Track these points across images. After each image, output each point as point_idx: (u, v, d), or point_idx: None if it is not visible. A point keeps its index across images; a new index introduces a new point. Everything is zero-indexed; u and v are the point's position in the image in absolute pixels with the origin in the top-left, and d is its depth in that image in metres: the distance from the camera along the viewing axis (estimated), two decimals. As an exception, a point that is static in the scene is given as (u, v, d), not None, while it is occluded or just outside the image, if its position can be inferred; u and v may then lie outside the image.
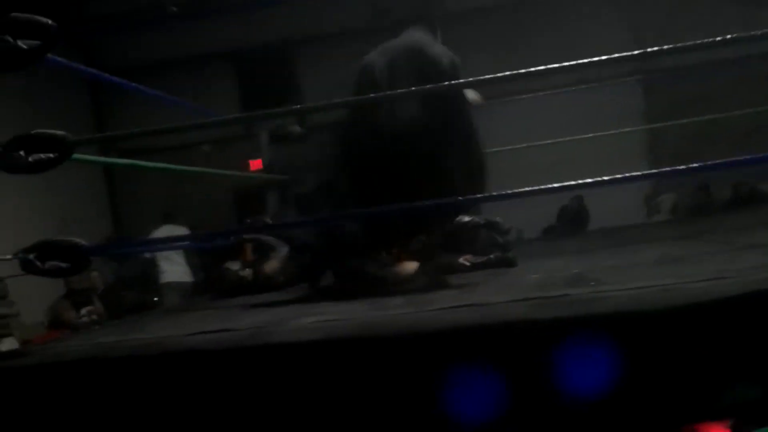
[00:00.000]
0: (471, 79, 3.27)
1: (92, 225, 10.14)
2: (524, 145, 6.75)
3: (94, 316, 6.60)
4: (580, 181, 3.36)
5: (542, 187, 3.22)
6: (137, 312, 6.57)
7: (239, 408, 2.19)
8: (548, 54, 9.29)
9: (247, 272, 4.23)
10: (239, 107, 10.60)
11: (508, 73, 3.32)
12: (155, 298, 8.27)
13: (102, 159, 3.61)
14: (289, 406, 2.19)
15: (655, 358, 1.94)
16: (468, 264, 4.07)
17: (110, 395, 2.21)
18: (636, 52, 3.33)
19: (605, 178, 3.31)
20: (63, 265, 2.41)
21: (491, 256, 4.09)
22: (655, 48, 3.91)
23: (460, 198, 3.30)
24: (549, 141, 6.97)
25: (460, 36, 9.70)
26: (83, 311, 6.61)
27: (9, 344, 5.66)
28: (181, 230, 8.25)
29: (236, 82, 10.78)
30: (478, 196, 3.91)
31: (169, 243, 6.45)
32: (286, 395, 2.19)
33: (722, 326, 1.87)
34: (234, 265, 4.32)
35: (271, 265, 4.20)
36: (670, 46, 3.31)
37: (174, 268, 8.60)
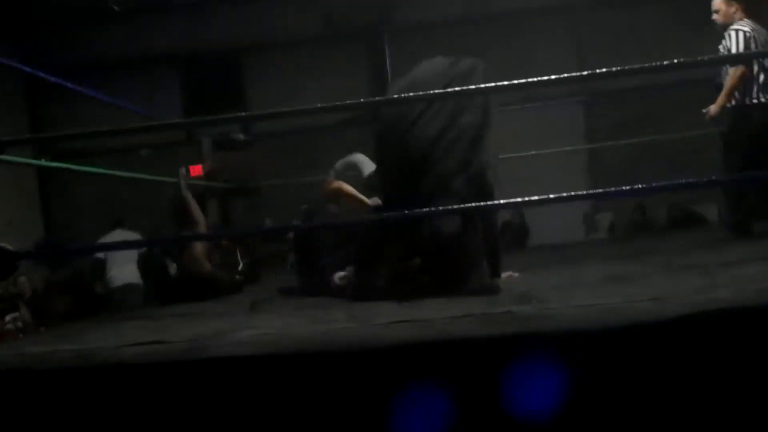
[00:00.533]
0: (421, 93, 3.27)
1: (23, 227, 9.75)
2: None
3: (19, 323, 6.31)
4: (525, 199, 3.38)
5: (487, 203, 3.21)
6: (69, 319, 6.33)
7: (170, 424, 2.10)
8: (494, 69, 9.40)
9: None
10: (182, 112, 10.37)
11: (458, 89, 3.35)
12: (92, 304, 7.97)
13: (34, 162, 3.45)
14: (221, 422, 2.10)
15: (600, 376, 1.94)
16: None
17: (35, 410, 2.09)
18: (583, 73, 3.40)
19: (551, 196, 3.33)
20: (-13, 270, 2.27)
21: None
22: (601, 70, 4.01)
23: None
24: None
25: (410, 49, 9.78)
26: (8, 318, 6.33)
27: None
28: (132, 235, 8.01)
29: (180, 86, 10.56)
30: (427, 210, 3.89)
31: (98, 247, 6.25)
32: (217, 411, 2.11)
33: (665, 346, 1.87)
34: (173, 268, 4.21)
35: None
36: (611, 69, 3.39)
37: (124, 272, 8.32)
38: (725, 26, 4.41)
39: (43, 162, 3.54)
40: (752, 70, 4.31)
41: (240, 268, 4.51)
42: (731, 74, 4.28)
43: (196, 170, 8.97)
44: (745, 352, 1.85)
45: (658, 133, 8.27)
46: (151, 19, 9.59)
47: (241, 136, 6.20)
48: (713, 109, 4.39)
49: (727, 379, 1.83)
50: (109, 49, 9.96)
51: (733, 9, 4.41)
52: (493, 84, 3.23)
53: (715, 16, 4.52)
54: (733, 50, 4.28)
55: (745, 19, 4.37)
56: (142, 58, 10.05)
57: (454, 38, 9.70)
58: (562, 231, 8.26)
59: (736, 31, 4.30)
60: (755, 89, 4.33)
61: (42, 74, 4.12)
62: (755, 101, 4.32)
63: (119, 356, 2.23)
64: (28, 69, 4.20)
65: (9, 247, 2.31)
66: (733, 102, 4.36)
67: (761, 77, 4.33)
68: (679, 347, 1.85)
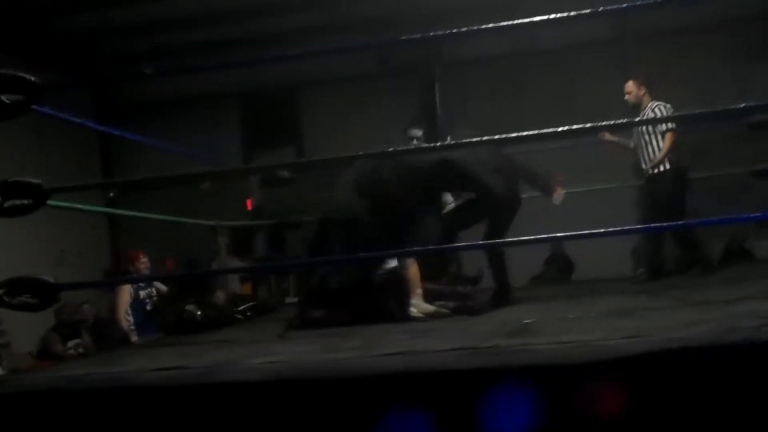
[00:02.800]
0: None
1: (91, 258, 10.33)
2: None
3: (81, 349, 6.74)
4: (567, 234, 3.55)
5: (527, 238, 3.38)
6: (132, 344, 6.71)
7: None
8: (544, 105, 9.52)
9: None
10: (241, 146, 10.89)
11: (497, 137, 3.55)
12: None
13: (77, 206, 3.79)
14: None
15: (566, 410, 2.07)
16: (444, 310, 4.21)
17: (64, 428, 2.36)
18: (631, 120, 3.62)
19: (595, 231, 3.51)
20: (31, 300, 2.58)
21: (459, 303, 4.23)
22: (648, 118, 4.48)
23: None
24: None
25: (459, 84, 10.01)
26: (70, 344, 6.76)
27: (-4, 374, 5.82)
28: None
29: (240, 121, 11.09)
30: (466, 244, 4.26)
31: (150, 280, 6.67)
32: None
33: (622, 382, 2.00)
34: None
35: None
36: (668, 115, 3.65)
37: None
38: (636, 105, 5.37)
39: (81, 207, 3.89)
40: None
41: (241, 308, 4.88)
42: (668, 138, 5.17)
43: (249, 204, 9.42)
44: (699, 391, 1.96)
45: (709, 166, 8.22)
46: (213, 57, 10.10)
47: (285, 174, 6.48)
48: (654, 162, 5.23)
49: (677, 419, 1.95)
50: (176, 87, 10.51)
51: (642, 91, 5.35)
52: (548, 130, 3.36)
53: (627, 96, 5.42)
54: (666, 122, 5.15)
55: (654, 100, 5.30)
56: (204, 94, 10.57)
57: (502, 73, 9.92)
58: (610, 265, 8.24)
59: (661, 106, 5.24)
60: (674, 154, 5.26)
61: (107, 129, 4.55)
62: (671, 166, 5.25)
63: (140, 380, 2.48)
64: (99, 127, 4.65)
65: (50, 279, 2.60)
66: (662, 168, 5.25)
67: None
68: (628, 385, 1.97)
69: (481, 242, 4.37)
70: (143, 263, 6.70)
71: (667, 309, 3.16)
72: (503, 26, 3.38)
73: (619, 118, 5.52)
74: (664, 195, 5.19)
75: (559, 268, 8.32)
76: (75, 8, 8.84)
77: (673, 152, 5.26)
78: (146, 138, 9.29)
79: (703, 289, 3.86)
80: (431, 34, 4.57)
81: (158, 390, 2.40)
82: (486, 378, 2.17)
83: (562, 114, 7.11)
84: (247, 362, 2.66)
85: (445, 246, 4.35)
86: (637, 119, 5.38)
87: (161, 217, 5.71)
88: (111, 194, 10.51)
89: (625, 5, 3.25)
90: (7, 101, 2.50)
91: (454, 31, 3.60)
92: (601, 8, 3.23)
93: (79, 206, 3.72)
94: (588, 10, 3.13)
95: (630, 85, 5.42)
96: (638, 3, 3.54)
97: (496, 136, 3.70)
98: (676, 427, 2.01)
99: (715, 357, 1.99)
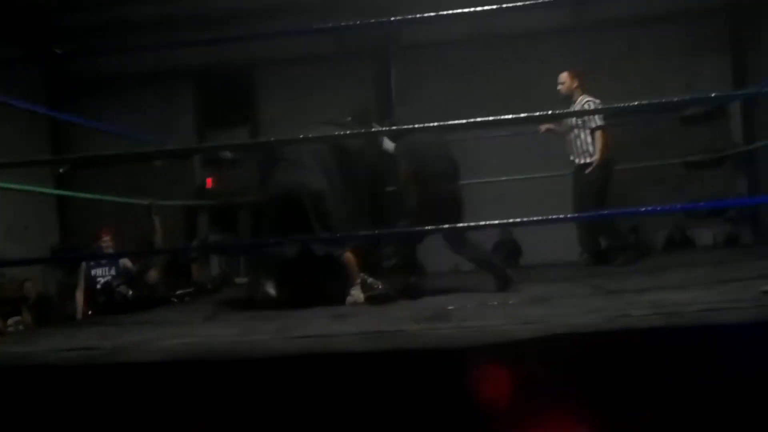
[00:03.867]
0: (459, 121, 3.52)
1: (40, 232, 10.19)
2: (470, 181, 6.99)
3: (21, 326, 6.66)
4: (523, 219, 3.61)
5: (483, 222, 3.43)
6: (68, 322, 6.65)
7: (87, 424, 2.35)
8: (498, 88, 9.57)
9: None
10: (196, 123, 10.79)
11: (461, 121, 3.56)
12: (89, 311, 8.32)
13: (7, 185, 3.75)
14: (138, 425, 2.35)
15: (457, 390, 2.13)
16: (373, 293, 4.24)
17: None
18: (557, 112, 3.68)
19: (552, 216, 3.61)
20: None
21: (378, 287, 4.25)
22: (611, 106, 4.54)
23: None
24: (491, 179, 7.25)
25: (414, 68, 10.03)
26: (10, 321, 6.69)
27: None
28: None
29: (193, 99, 10.97)
30: (425, 228, 4.30)
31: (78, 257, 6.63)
32: (137, 414, 2.35)
33: (510, 365, 2.07)
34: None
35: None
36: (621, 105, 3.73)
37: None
38: (567, 96, 5.42)
39: (12, 186, 3.85)
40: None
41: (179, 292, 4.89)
42: (599, 136, 5.30)
43: (209, 182, 9.36)
44: (580, 374, 2.04)
45: (657, 156, 8.39)
46: (167, 33, 9.95)
47: (228, 155, 6.49)
48: (595, 161, 5.30)
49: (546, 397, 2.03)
50: (129, 63, 10.35)
51: (575, 84, 5.41)
52: (495, 117, 3.40)
53: (559, 87, 5.48)
54: (597, 119, 5.28)
55: (586, 94, 5.37)
56: (158, 71, 10.42)
57: (458, 58, 9.95)
58: (558, 250, 8.37)
59: (591, 102, 5.31)
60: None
61: (49, 111, 4.49)
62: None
63: (50, 359, 2.49)
64: (43, 109, 4.58)
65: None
66: (589, 159, 5.34)
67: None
68: (515, 368, 2.04)
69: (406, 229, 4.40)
70: (105, 242, 6.59)
71: (580, 297, 3.25)
72: (459, 13, 3.41)
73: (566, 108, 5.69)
74: (588, 185, 5.33)
75: (506, 254, 8.41)
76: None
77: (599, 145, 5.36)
78: (98, 114, 9.25)
79: (624, 279, 3.96)
80: (388, 19, 4.62)
81: (63, 370, 2.40)
82: (383, 360, 2.23)
83: (516, 100, 7.15)
84: (158, 343, 2.68)
85: (389, 231, 4.39)
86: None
87: (91, 196, 5.65)
88: (61, 170, 10.37)
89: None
90: None
91: (410, 17, 3.63)
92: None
93: (15, 186, 3.67)
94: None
95: (564, 76, 5.49)
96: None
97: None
98: (559, 408, 2.09)
99: (595, 343, 2.06)
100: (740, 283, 3.00)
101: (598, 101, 5.32)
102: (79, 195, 6.25)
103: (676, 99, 4.46)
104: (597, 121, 5.29)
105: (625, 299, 2.91)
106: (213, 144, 9.82)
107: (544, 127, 5.66)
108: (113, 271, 6.19)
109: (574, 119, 5.39)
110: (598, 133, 5.29)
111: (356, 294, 4.04)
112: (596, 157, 5.28)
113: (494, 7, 3.51)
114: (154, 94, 10.87)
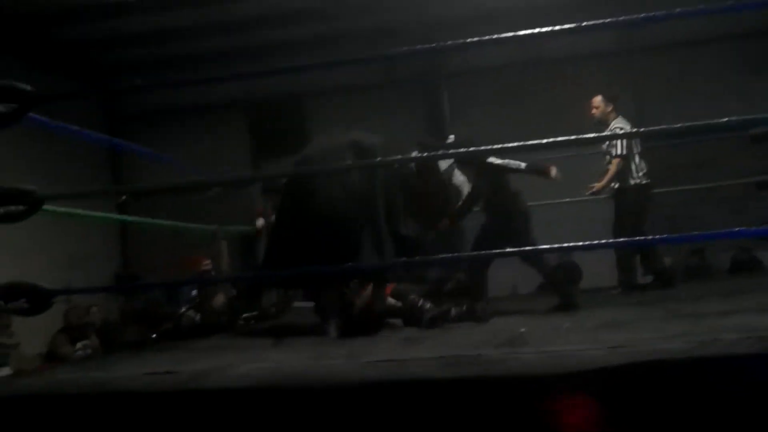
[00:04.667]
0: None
1: (102, 262, 10.43)
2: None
3: (89, 351, 6.81)
4: (576, 244, 3.61)
5: (537, 248, 3.41)
6: (135, 347, 6.77)
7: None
8: (549, 113, 9.52)
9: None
10: (250, 153, 10.97)
11: (514, 144, 3.55)
12: (153, 335, 8.45)
13: (71, 211, 3.85)
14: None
15: (543, 419, 2.09)
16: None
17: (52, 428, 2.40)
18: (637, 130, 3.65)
19: (600, 242, 3.59)
20: (24, 305, 2.63)
21: (462, 308, 4.27)
22: (655, 128, 4.53)
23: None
24: (545, 202, 7.15)
25: (464, 92, 10.05)
26: (78, 345, 6.84)
27: (3, 373, 5.89)
28: None
29: (248, 129, 11.18)
30: (477, 252, 4.33)
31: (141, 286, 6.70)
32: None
33: (598, 393, 2.01)
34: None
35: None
36: (667, 126, 3.69)
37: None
38: (601, 121, 5.41)
39: (72, 212, 3.93)
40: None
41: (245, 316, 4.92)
42: (614, 164, 5.31)
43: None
44: (675, 403, 1.98)
45: (711, 177, 8.21)
46: (221, 66, 10.18)
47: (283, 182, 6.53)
48: (597, 186, 5.36)
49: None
50: (180, 95, 10.59)
51: (609, 108, 5.41)
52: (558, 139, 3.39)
53: (593, 111, 5.47)
54: (619, 147, 5.27)
55: (620, 117, 5.38)
56: (212, 103, 10.66)
57: (507, 82, 9.94)
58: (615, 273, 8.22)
59: (623, 125, 5.32)
60: (633, 172, 5.37)
61: (103, 138, 4.63)
62: (637, 182, 5.37)
63: (130, 386, 2.52)
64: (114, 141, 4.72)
65: (43, 285, 2.65)
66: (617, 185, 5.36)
67: (635, 163, 5.37)
68: (603, 395, 1.99)
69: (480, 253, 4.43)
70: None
71: (657, 321, 3.17)
72: (506, 37, 3.41)
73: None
74: (625, 210, 5.36)
75: (566, 277, 8.28)
76: (84, 17, 8.93)
77: (637, 170, 5.37)
78: (154, 145, 9.48)
79: (697, 302, 3.86)
80: (434, 45, 4.64)
81: (145, 396, 2.43)
82: (465, 387, 2.20)
83: (566, 124, 7.12)
84: (234, 369, 2.69)
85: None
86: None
87: (157, 222, 5.78)
88: (122, 199, 10.63)
89: (629, 17, 3.27)
90: (1, 110, 2.55)
91: (458, 42, 3.63)
92: (606, 20, 3.24)
93: (73, 211, 3.77)
94: (592, 22, 3.15)
95: (597, 101, 5.47)
96: (642, 16, 3.55)
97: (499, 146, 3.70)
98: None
99: (689, 370, 2.00)
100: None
101: (629, 126, 5.33)
102: (147, 221, 6.37)
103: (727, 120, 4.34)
104: (619, 149, 5.28)
105: (706, 323, 2.82)
106: (269, 172, 9.92)
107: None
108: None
109: (605, 146, 5.39)
110: (614, 161, 5.31)
111: None
112: (603, 180, 5.32)
113: (543, 30, 3.48)
114: (208, 126, 11.11)
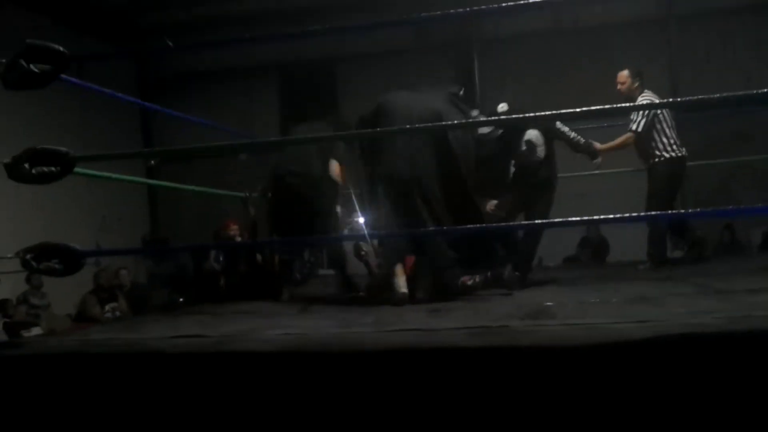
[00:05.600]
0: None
1: (132, 224, 10.58)
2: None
3: (117, 313, 6.94)
4: (603, 216, 3.57)
5: (565, 219, 3.35)
6: (164, 310, 6.88)
7: (198, 410, 2.41)
8: (583, 83, 9.37)
9: None
10: (279, 117, 10.99)
11: (547, 113, 3.48)
12: (180, 299, 8.57)
13: (101, 174, 3.88)
14: (247, 413, 2.39)
15: (569, 390, 2.09)
16: (468, 283, 4.23)
17: (83, 390, 2.45)
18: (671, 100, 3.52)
19: (627, 215, 3.53)
20: (57, 266, 2.67)
21: (488, 274, 4.24)
22: (691, 98, 4.41)
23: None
24: (578, 173, 7.06)
25: (497, 61, 9.92)
26: (107, 307, 6.97)
27: (35, 333, 6.03)
28: None
29: (278, 93, 11.17)
30: (504, 224, 4.29)
31: (165, 250, 6.76)
32: (244, 402, 2.40)
33: (622, 367, 2.00)
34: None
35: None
36: (703, 97, 3.58)
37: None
38: (627, 97, 5.20)
39: (105, 175, 3.96)
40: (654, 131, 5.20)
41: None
42: (623, 137, 5.22)
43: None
44: (701, 380, 1.96)
45: (750, 152, 8.04)
46: (250, 29, 10.15)
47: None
48: (598, 147, 5.03)
49: (679, 405, 1.95)
50: (215, 60, 10.60)
51: (635, 84, 5.23)
52: (588, 108, 3.31)
53: (619, 86, 5.29)
54: (635, 123, 5.15)
55: (647, 91, 5.21)
56: (242, 66, 10.64)
57: (541, 51, 9.78)
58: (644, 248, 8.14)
59: (649, 98, 5.14)
60: (662, 146, 5.20)
61: (139, 102, 4.58)
62: (667, 155, 5.19)
63: (160, 347, 2.57)
64: (146, 104, 4.66)
65: (76, 246, 2.69)
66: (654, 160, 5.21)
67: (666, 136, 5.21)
68: (631, 370, 1.98)
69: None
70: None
71: (686, 296, 3.13)
72: (542, 2, 3.34)
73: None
74: (657, 183, 5.21)
75: (593, 251, 8.24)
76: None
77: (667, 144, 5.22)
78: (185, 109, 9.53)
79: (727, 278, 3.80)
80: (467, 9, 4.57)
81: (175, 357, 2.47)
82: (491, 357, 2.20)
83: (601, 93, 6.99)
84: (262, 333, 2.73)
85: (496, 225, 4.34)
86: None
87: (187, 187, 5.79)
88: (152, 163, 10.73)
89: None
90: (36, 70, 2.56)
91: (492, 6, 3.56)
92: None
93: (104, 174, 3.80)
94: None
95: (623, 75, 5.30)
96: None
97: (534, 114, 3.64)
98: (675, 414, 2.01)
99: (719, 346, 1.98)
100: None
101: (656, 100, 5.21)
102: (180, 187, 6.40)
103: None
104: (634, 125, 5.17)
105: (737, 300, 2.78)
106: (299, 137, 9.93)
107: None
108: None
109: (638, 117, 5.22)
110: (626, 135, 5.20)
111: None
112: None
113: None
114: (238, 89, 11.13)
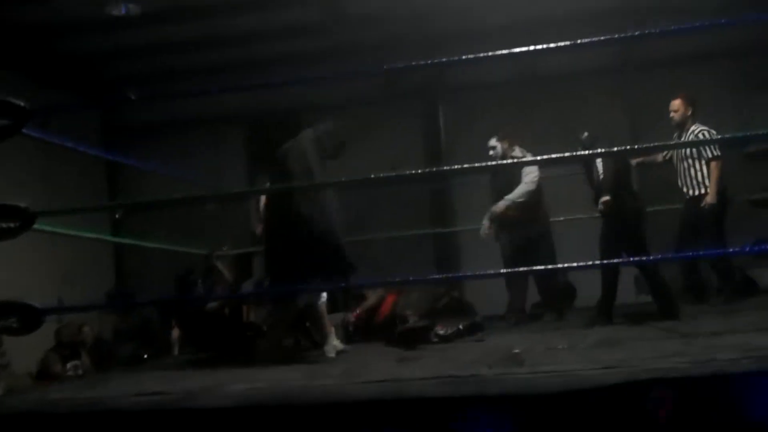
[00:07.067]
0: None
1: (96, 277, 10.34)
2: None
3: (80, 371, 6.74)
4: (566, 265, 3.61)
5: (525, 269, 3.37)
6: (128, 365, 6.70)
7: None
8: (548, 130, 9.53)
9: None
10: (246, 168, 10.95)
11: (514, 160, 3.52)
12: (145, 355, 8.36)
13: (63, 231, 3.82)
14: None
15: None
16: (441, 333, 4.28)
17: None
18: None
19: (595, 262, 3.58)
20: (14, 325, 2.59)
21: (460, 326, 4.32)
22: (652, 144, 4.52)
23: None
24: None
25: (461, 107, 10.07)
26: (69, 365, 6.77)
27: (-5, 392, 5.81)
28: None
29: (245, 143, 11.16)
30: (473, 274, 4.35)
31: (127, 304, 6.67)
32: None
33: (593, 411, 1.99)
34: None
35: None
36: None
37: None
38: (680, 124, 5.21)
39: (64, 231, 3.91)
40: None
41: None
42: (715, 168, 5.07)
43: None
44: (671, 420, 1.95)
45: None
46: (218, 79, 10.19)
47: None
48: (708, 200, 5.06)
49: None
50: (181, 110, 10.57)
51: (689, 112, 5.27)
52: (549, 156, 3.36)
53: (672, 114, 5.31)
54: (710, 150, 5.09)
55: (698, 123, 5.21)
56: (209, 117, 10.63)
57: (504, 97, 9.95)
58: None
59: (705, 131, 5.14)
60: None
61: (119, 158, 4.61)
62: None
63: (120, 405, 2.49)
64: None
65: (35, 304, 2.62)
66: (703, 191, 5.12)
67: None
68: (599, 414, 1.97)
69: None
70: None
71: (653, 340, 3.15)
72: (503, 54, 3.40)
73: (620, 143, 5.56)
74: (704, 218, 5.11)
75: (561, 296, 8.25)
76: (82, 30, 8.94)
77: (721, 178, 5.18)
78: (152, 158, 9.49)
79: (694, 322, 3.85)
80: (432, 60, 4.66)
81: (136, 415, 2.40)
82: (461, 406, 2.17)
83: (565, 140, 7.11)
84: (225, 388, 2.66)
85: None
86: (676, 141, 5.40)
87: (148, 244, 5.73)
88: (117, 215, 10.58)
89: (624, 35, 3.28)
90: (-4, 125, 2.54)
91: (454, 58, 3.63)
92: (601, 37, 3.25)
93: (64, 231, 3.74)
94: (587, 39, 3.16)
95: (677, 104, 5.30)
96: (637, 33, 3.58)
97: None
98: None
99: (685, 389, 1.98)
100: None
101: (713, 131, 5.17)
102: (140, 243, 6.33)
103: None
104: (714, 151, 5.07)
105: (703, 343, 2.80)
106: (266, 188, 9.93)
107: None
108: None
109: (688, 149, 5.19)
110: (713, 164, 5.05)
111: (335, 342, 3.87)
112: (712, 189, 5.04)
113: (539, 47, 3.45)
114: (205, 139, 11.08)
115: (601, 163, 4.57)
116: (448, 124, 10.03)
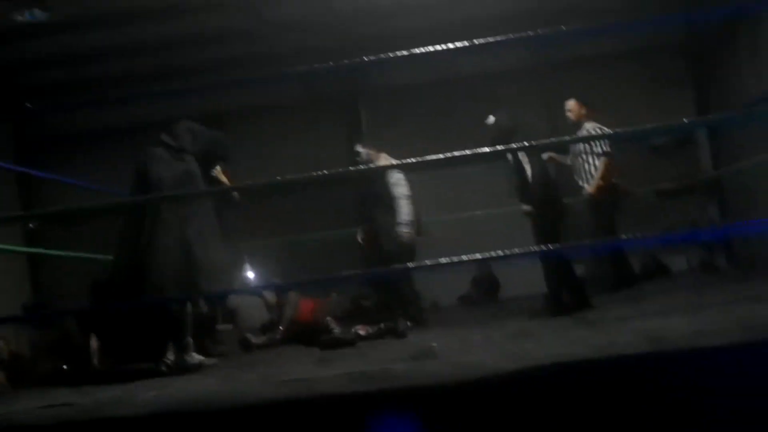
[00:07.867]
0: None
1: (11, 289, 9.95)
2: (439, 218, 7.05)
3: (-6, 386, 6.47)
4: (486, 255, 3.66)
5: (455, 259, 3.40)
6: (47, 380, 6.47)
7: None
8: (468, 130, 9.71)
9: None
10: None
11: (428, 158, 3.55)
12: (64, 366, 8.09)
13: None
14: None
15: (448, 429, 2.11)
16: (362, 333, 4.34)
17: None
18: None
19: (516, 251, 3.62)
20: None
21: (381, 325, 4.40)
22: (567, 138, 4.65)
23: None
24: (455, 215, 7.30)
25: (383, 110, 10.15)
26: (-19, 383, 6.49)
27: None
28: None
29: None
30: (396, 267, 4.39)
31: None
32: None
33: (493, 402, 2.05)
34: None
35: None
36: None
37: None
38: (575, 123, 5.52)
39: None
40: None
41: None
42: (603, 163, 5.33)
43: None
44: (575, 405, 2.03)
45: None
46: (136, 87, 9.96)
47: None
48: (591, 189, 5.33)
49: None
50: (97, 118, 10.29)
51: (583, 111, 5.56)
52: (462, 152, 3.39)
53: (568, 114, 5.65)
54: (604, 146, 5.33)
55: (592, 121, 5.46)
56: (128, 126, 10.39)
57: (424, 100, 10.09)
58: (537, 283, 8.40)
59: (597, 127, 5.39)
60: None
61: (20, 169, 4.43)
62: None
63: (27, 420, 2.42)
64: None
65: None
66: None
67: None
68: (501, 404, 2.03)
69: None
70: None
71: (563, 329, 3.25)
72: (419, 54, 3.44)
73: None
74: (597, 213, 5.35)
75: (485, 289, 8.43)
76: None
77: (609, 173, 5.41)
78: (70, 170, 9.19)
79: (604, 309, 3.99)
80: (351, 61, 4.68)
81: (44, 429, 2.34)
82: (372, 401, 2.20)
83: (484, 138, 7.28)
84: (138, 397, 2.62)
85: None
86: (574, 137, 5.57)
87: (56, 252, 5.55)
88: (31, 225, 10.22)
89: (537, 34, 3.38)
90: None
91: (374, 58, 3.65)
92: (514, 36, 3.34)
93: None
94: (500, 38, 3.24)
95: (572, 104, 5.60)
96: (551, 34, 3.70)
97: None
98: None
99: (584, 373, 2.06)
100: (720, 308, 3.03)
101: (605, 128, 5.39)
102: (49, 252, 6.13)
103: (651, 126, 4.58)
104: (604, 147, 5.33)
105: (608, 329, 2.92)
106: (190, 191, 9.75)
107: (547, 155, 5.56)
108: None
109: (581, 145, 5.42)
110: (602, 159, 5.33)
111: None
112: (593, 183, 5.30)
113: (456, 45, 3.52)
114: (125, 148, 10.80)
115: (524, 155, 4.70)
116: (371, 127, 10.10)
